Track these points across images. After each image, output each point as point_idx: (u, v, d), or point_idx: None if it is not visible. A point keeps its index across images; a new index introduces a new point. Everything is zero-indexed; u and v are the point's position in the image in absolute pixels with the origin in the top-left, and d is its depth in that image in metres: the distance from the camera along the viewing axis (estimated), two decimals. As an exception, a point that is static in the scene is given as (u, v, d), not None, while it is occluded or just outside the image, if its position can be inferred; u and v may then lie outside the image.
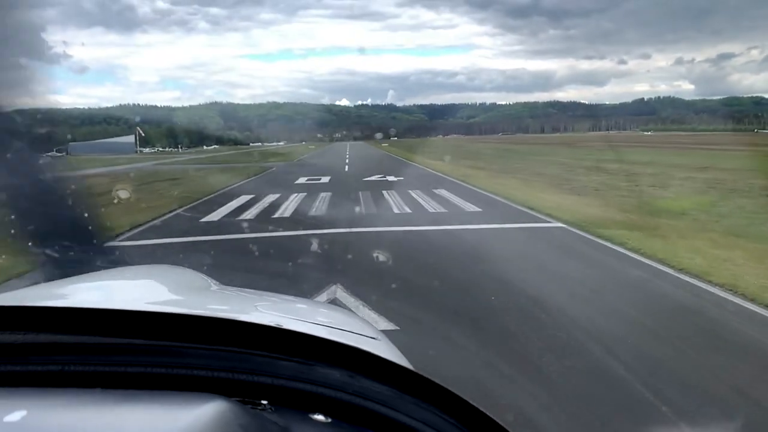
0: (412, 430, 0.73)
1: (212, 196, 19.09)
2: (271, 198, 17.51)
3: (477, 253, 9.60)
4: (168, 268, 1.87)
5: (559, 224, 12.29)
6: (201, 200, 17.93)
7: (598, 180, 23.77)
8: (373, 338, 1.27)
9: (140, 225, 12.80)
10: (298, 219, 13.57)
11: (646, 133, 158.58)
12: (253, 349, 0.75)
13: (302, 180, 25.22)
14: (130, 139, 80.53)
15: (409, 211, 14.86)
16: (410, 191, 18.74)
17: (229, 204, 16.37)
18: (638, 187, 21.09)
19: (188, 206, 16.46)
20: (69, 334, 0.71)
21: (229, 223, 13.35)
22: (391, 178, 25.58)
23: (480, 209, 14.76)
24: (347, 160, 43.07)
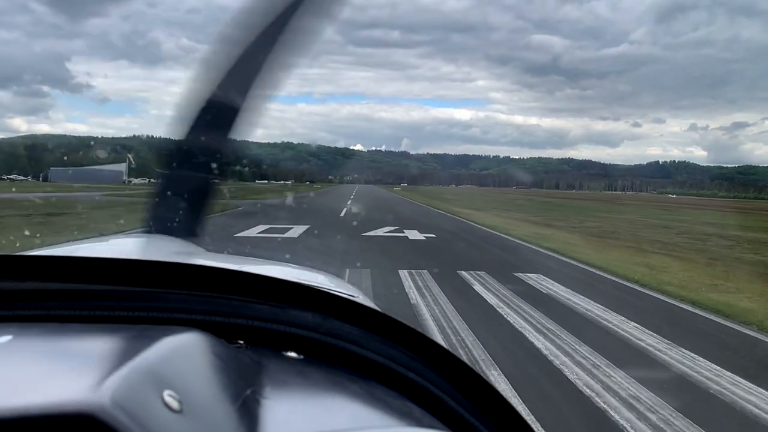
0: (379, 365, 0.77)
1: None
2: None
3: None
4: (160, 237, 1.71)
5: None
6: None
7: (714, 246, 17.01)
8: (352, 295, 1.22)
9: None
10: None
11: (671, 195, 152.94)
12: (230, 294, 0.79)
13: (256, 231, 16.86)
14: (120, 167, 74.22)
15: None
16: (466, 277, 10.85)
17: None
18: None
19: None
20: (54, 282, 0.75)
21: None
22: (414, 235, 17.63)
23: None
24: (349, 202, 35.14)
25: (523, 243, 17.07)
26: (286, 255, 10.55)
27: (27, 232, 13.87)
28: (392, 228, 19.20)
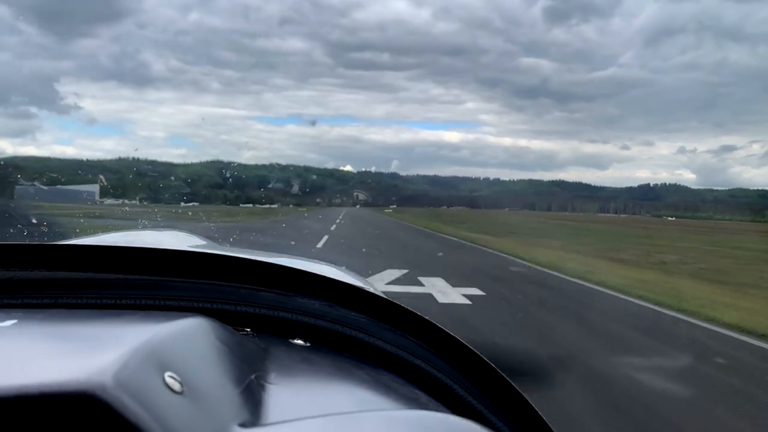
0: (385, 353, 0.77)
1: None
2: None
3: None
4: (172, 231, 1.86)
5: None
6: None
7: None
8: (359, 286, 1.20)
9: None
10: None
11: (670, 218, 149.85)
12: (237, 282, 0.79)
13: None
14: (93, 188, 69.75)
15: None
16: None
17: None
18: None
19: None
20: (63, 270, 0.75)
21: None
22: (443, 290, 10.75)
23: None
24: (325, 238, 22.33)
25: (652, 307, 10.41)
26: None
27: None
28: (399, 273, 12.36)
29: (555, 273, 14.92)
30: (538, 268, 15.96)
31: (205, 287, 0.78)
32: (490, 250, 20.97)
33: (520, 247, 21.43)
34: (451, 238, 27.46)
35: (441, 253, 19.69)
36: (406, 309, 0.80)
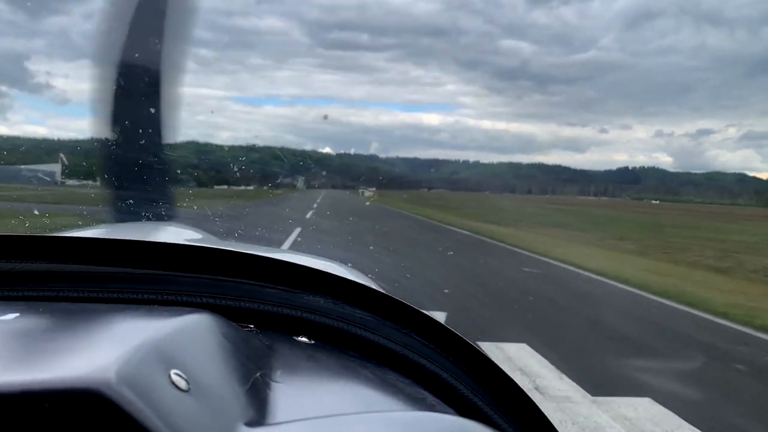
0: (391, 352, 0.77)
1: None
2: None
3: None
4: (170, 223, 1.88)
5: None
6: None
7: None
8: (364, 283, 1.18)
9: None
10: None
11: (653, 201, 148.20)
12: (241, 278, 0.78)
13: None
14: (53, 167, 64.44)
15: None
16: None
17: None
18: None
19: None
20: (64, 263, 0.75)
21: None
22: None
23: None
24: (308, 216, 20.14)
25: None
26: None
27: None
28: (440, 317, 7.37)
29: (667, 302, 10.51)
30: (643, 294, 11.57)
31: (208, 282, 0.76)
32: (537, 256, 15.97)
33: (560, 248, 16.79)
34: (460, 230, 23.18)
35: (454, 253, 15.59)
36: (412, 307, 0.79)
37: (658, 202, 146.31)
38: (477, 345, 0.79)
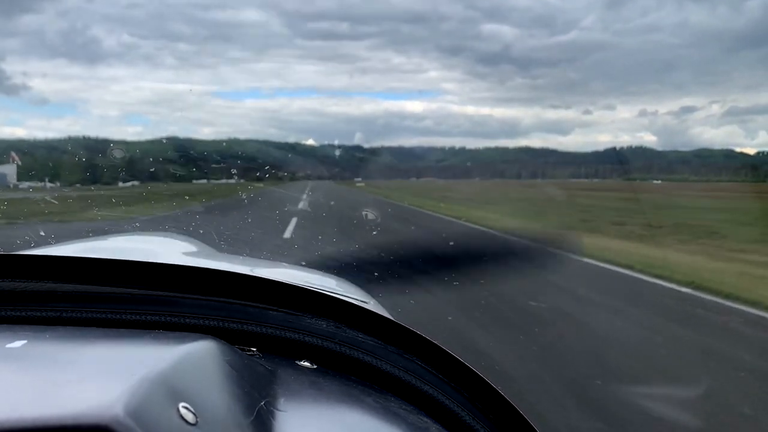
0: (394, 378, 0.76)
1: None
2: None
3: None
4: (168, 235, 1.88)
5: None
6: None
7: None
8: (364, 301, 1.22)
9: None
10: None
11: (655, 182, 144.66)
12: (243, 300, 0.78)
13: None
14: (5, 169, 58.36)
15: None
16: None
17: None
18: None
19: None
20: (67, 283, 0.75)
21: None
22: None
23: None
24: (293, 223, 14.89)
25: None
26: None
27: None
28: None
29: None
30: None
31: (211, 304, 0.76)
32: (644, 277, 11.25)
33: (631, 252, 12.11)
34: (492, 233, 18.06)
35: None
36: (414, 332, 0.78)
37: (659, 182, 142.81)
38: (479, 371, 0.76)
